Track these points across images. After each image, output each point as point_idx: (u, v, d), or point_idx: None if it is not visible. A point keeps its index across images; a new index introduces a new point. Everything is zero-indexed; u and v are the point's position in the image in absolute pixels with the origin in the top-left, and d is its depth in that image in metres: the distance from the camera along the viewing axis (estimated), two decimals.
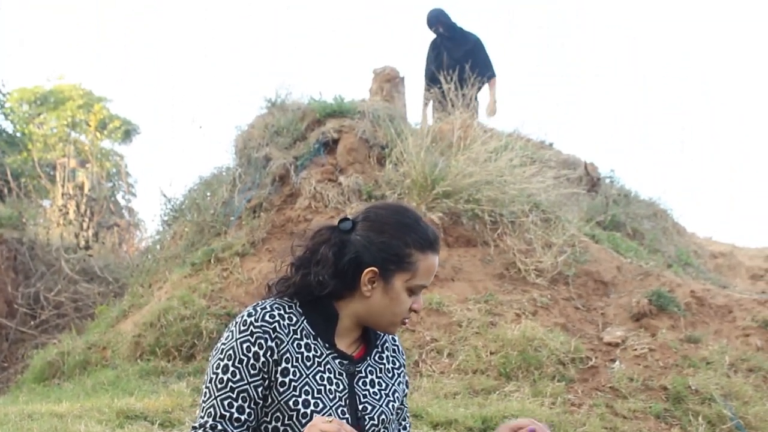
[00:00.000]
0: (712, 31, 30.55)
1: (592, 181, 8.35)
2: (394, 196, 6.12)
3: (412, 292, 2.10)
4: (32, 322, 8.75)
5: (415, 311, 2.13)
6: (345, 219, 2.13)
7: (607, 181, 8.83)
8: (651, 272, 6.22)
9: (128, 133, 17.02)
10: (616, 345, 5.25)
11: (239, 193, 6.64)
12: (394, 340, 2.27)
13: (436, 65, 8.71)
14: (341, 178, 6.43)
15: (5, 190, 11.26)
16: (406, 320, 2.14)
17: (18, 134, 16.40)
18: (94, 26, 31.32)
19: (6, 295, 9.05)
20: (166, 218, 7.52)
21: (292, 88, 7.42)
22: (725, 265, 9.25)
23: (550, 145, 8.60)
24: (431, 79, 8.75)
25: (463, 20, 9.28)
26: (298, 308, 2.09)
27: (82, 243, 9.76)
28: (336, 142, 6.74)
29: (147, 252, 8.04)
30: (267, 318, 2.04)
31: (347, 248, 2.08)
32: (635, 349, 5.17)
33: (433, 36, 9.09)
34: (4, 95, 16.65)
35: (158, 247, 7.50)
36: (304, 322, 2.08)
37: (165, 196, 7.44)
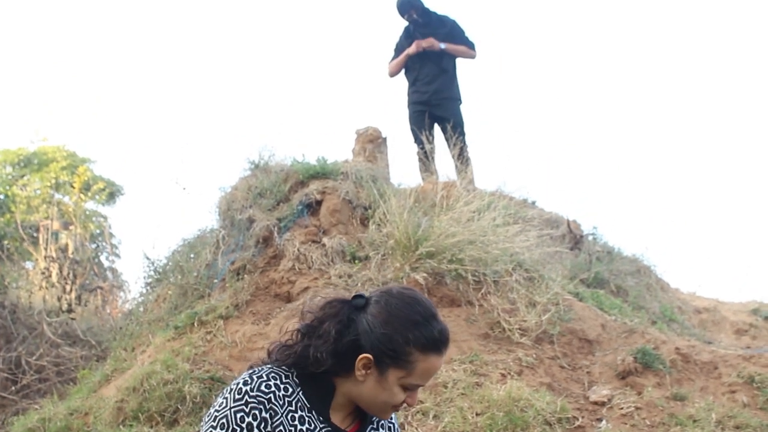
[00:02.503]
0: (690, 84, 30.98)
1: (575, 239, 8.38)
2: (378, 257, 6.13)
3: (406, 388, 2.06)
4: (13, 387, 8.63)
5: (408, 405, 2.09)
6: (360, 296, 2.10)
7: (590, 238, 8.87)
8: (636, 329, 6.21)
9: (112, 194, 17.02)
10: (603, 404, 5.22)
11: (223, 255, 6.63)
12: (391, 417, 2.23)
13: (411, 59, 8.52)
14: (325, 240, 6.44)
15: None
16: (398, 409, 2.11)
17: (1, 196, 16.37)
18: (77, 88, 31.47)
19: None
20: (149, 281, 7.49)
21: (275, 149, 7.44)
22: (710, 320, 9.25)
23: (533, 203, 8.66)
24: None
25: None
26: (294, 378, 2.07)
27: (65, 306, 9.68)
28: (319, 203, 6.76)
29: (130, 315, 7.98)
30: (263, 388, 2.02)
31: (351, 328, 2.06)
32: (621, 408, 5.14)
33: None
34: None
35: (141, 309, 7.45)
36: (300, 393, 2.05)
37: (148, 258, 7.41)
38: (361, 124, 8.40)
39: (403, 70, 8.68)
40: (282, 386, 2.04)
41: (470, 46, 8.56)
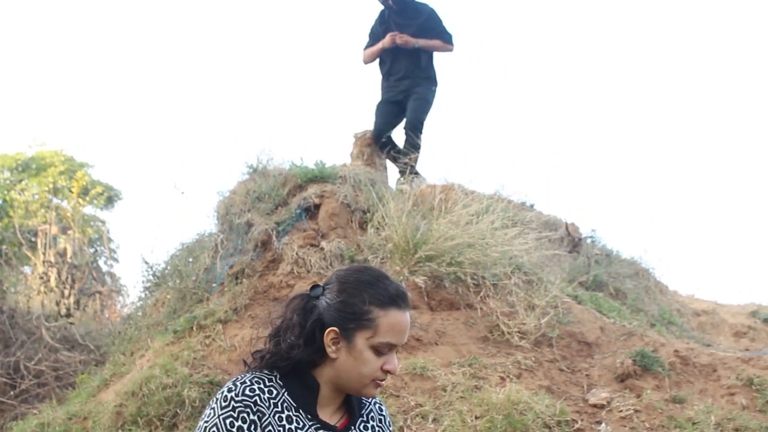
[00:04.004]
0: (688, 86, 31.03)
1: (573, 242, 8.39)
2: (377, 261, 6.13)
3: (378, 351, 2.08)
4: (12, 392, 8.63)
5: (389, 372, 2.10)
6: (316, 285, 2.16)
7: (589, 241, 8.87)
8: (634, 332, 6.22)
9: (110, 199, 17.01)
10: (602, 407, 5.22)
11: (221, 259, 6.63)
12: (381, 410, 2.25)
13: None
14: (323, 243, 6.44)
15: None
16: (381, 381, 2.11)
17: None
18: (76, 89, 31.48)
19: None
20: (147, 285, 7.49)
21: (274, 153, 7.44)
22: (708, 322, 9.25)
23: (531, 206, 8.66)
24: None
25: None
26: (278, 381, 2.09)
27: (64, 311, 9.68)
28: (317, 207, 6.76)
29: (129, 319, 7.98)
30: (247, 392, 2.04)
31: (313, 312, 2.11)
32: (621, 411, 5.14)
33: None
34: None
35: (140, 314, 7.44)
36: (285, 394, 2.08)
37: (147, 262, 7.41)
38: (359, 128, 8.37)
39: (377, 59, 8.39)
40: (266, 389, 2.06)
41: (447, 38, 8.17)
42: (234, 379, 2.11)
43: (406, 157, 7.70)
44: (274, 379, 2.09)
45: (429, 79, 8.20)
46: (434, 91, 8.22)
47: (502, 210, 6.63)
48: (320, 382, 2.11)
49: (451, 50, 8.24)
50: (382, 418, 2.25)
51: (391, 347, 2.10)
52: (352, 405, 2.18)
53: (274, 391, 2.07)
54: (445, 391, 5.17)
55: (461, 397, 5.09)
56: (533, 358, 5.61)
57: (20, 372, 8.73)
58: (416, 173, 7.79)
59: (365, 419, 2.20)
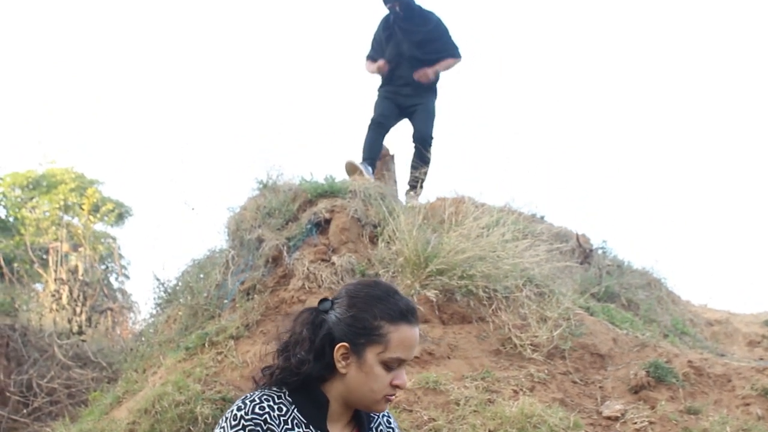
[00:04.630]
0: (701, 93, 30.98)
1: (584, 253, 8.37)
2: (388, 275, 6.12)
3: (388, 366, 2.08)
4: (25, 410, 8.65)
5: (398, 387, 2.10)
6: (325, 300, 2.17)
7: (600, 252, 8.85)
8: (647, 343, 6.19)
9: (121, 215, 17.08)
10: (616, 419, 5.20)
11: (232, 275, 6.63)
12: (389, 422, 2.25)
13: (388, 54, 7.97)
14: (334, 258, 6.44)
15: None
16: (391, 397, 2.12)
17: (10, 219, 16.44)
18: (84, 109, 31.61)
19: None
20: (159, 302, 7.50)
21: (283, 169, 7.44)
22: (722, 332, 9.21)
23: (542, 218, 8.64)
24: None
25: None
26: (287, 397, 2.10)
27: (75, 328, 9.70)
28: (328, 222, 6.76)
29: (140, 336, 7.99)
30: (257, 410, 2.05)
31: (323, 327, 2.11)
32: (635, 423, 5.12)
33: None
34: None
35: (152, 330, 7.45)
36: (295, 411, 2.09)
37: (158, 279, 7.43)
38: (360, 130, 8.33)
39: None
40: (276, 406, 2.07)
41: (455, 53, 8.03)
42: (243, 397, 2.11)
43: (416, 171, 7.71)
44: (283, 396, 2.09)
45: (432, 91, 8.09)
46: (436, 101, 8.12)
47: (513, 222, 6.62)
48: (330, 398, 2.11)
49: (460, 61, 8.12)
50: (391, 430, 2.24)
51: (400, 362, 2.11)
52: (361, 419, 2.18)
53: (284, 408, 2.07)
54: (458, 405, 5.15)
55: (474, 411, 5.07)
56: (546, 371, 5.59)
57: (33, 390, 8.75)
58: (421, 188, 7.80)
59: (374, 431, 2.20)
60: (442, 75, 8.11)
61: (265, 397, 2.08)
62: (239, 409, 2.04)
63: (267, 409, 2.05)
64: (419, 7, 8.04)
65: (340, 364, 2.08)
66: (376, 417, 2.22)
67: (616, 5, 32.18)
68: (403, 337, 2.08)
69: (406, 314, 2.10)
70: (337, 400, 2.12)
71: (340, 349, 2.08)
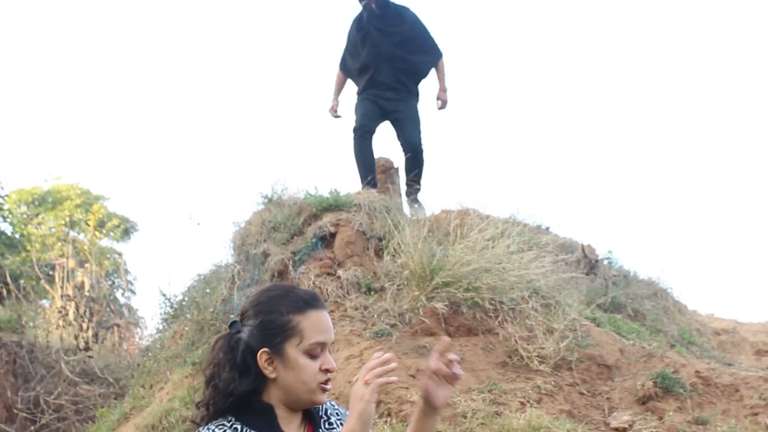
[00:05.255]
0: (709, 99, 30.95)
1: (590, 264, 8.36)
2: (393, 288, 6.13)
3: (311, 355, 2.12)
4: (32, 427, 8.66)
5: (328, 371, 2.15)
6: (233, 322, 2.21)
7: (606, 262, 8.84)
8: (654, 353, 6.18)
9: (127, 231, 17.12)
10: (624, 430, 5.18)
11: (238, 290, 6.64)
12: (333, 405, 2.32)
13: (365, 57, 7.72)
14: (340, 272, 6.44)
15: (4, 292, 11.25)
16: (325, 385, 2.16)
17: (17, 235, 16.48)
18: (84, 109, 31.71)
19: (5, 400, 8.97)
20: (165, 317, 7.51)
21: (288, 183, 7.47)
22: (729, 341, 9.18)
23: (547, 229, 8.65)
24: (350, 72, 7.92)
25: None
26: (236, 422, 2.13)
27: (82, 344, 9.72)
28: (333, 235, 6.77)
29: (147, 351, 8.00)
30: None
31: (239, 344, 2.15)
32: None
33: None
34: (2, 197, 16.80)
35: (158, 346, 7.46)
36: (248, 431, 2.12)
37: (164, 294, 7.45)
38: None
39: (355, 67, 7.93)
40: None
41: (438, 54, 7.83)
42: None
43: (416, 183, 7.72)
44: (232, 421, 2.12)
45: (414, 94, 7.92)
46: (418, 104, 7.95)
47: (518, 234, 6.62)
48: (272, 405, 2.15)
49: (442, 59, 7.93)
50: (338, 410, 2.28)
51: (322, 347, 2.15)
52: (310, 412, 2.22)
53: (237, 431, 2.11)
54: (465, 417, 5.14)
55: (482, 424, 5.06)
56: (553, 383, 5.58)
57: (40, 406, 8.76)
58: (418, 201, 7.79)
59: (326, 418, 2.25)
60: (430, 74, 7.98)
61: (217, 427, 2.11)
62: None
63: None
64: (394, 4, 7.78)
65: (267, 370, 2.12)
66: (322, 407, 2.26)
67: (616, 6, 32.21)
68: (314, 321, 2.13)
69: (309, 301, 2.15)
70: (279, 405, 2.16)
71: (262, 356, 2.11)
